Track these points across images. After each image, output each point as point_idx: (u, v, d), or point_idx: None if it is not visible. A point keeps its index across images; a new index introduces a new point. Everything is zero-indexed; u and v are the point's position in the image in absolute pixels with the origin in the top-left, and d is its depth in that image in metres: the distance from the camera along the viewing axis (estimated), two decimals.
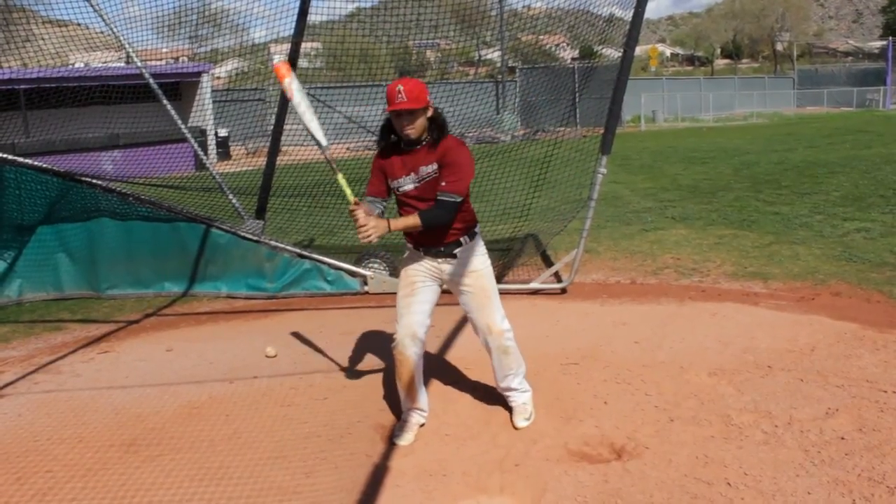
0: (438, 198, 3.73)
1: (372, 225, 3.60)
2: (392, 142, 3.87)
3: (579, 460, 3.75)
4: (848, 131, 24.12)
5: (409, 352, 3.97)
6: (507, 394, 4.22)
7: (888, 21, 75.55)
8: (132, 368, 5.48)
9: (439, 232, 3.90)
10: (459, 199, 3.75)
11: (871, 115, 35.91)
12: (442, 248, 3.95)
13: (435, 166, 3.76)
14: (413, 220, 3.74)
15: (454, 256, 3.95)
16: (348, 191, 3.70)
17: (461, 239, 3.94)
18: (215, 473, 3.77)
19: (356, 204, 3.65)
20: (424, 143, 3.79)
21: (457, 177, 3.74)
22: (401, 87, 3.65)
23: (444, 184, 3.73)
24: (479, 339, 4.12)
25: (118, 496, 3.58)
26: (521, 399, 4.22)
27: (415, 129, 3.73)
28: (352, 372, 5.09)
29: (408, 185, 3.84)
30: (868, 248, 7.71)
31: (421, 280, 4.01)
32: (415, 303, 3.99)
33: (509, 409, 4.27)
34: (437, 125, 3.80)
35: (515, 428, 4.15)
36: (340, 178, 3.72)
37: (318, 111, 8.52)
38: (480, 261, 4.01)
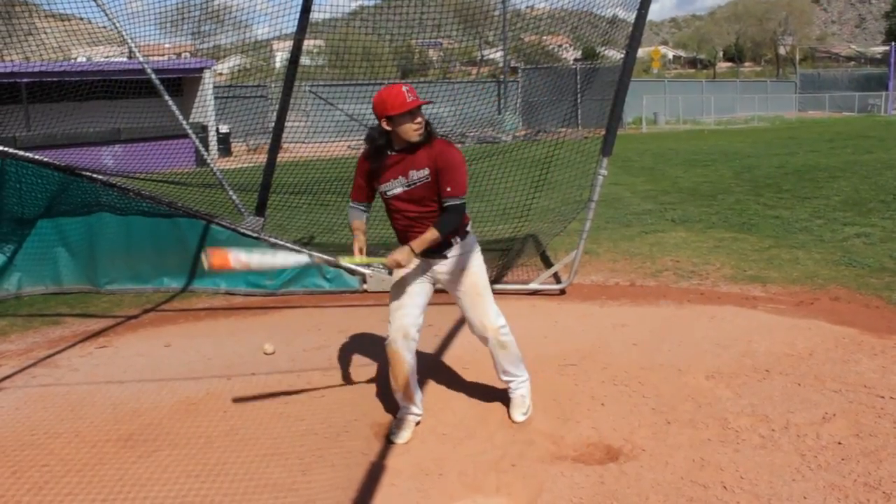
0: (446, 204, 3.78)
1: (402, 258, 3.75)
2: (378, 146, 3.87)
3: (575, 461, 3.75)
4: (849, 136, 24.12)
5: (402, 349, 3.99)
6: (508, 381, 4.25)
7: (891, 26, 75.45)
8: (130, 363, 5.48)
9: None
10: (465, 199, 3.82)
11: (872, 120, 35.90)
12: (434, 250, 3.96)
13: (426, 171, 3.78)
14: (431, 234, 3.78)
15: (445, 257, 3.97)
16: (359, 260, 3.93)
17: (452, 240, 3.97)
18: (212, 470, 3.77)
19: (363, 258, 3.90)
20: (417, 145, 3.80)
21: (456, 179, 3.78)
22: (406, 88, 3.72)
23: (448, 189, 3.76)
24: (475, 335, 4.14)
25: (114, 491, 3.58)
26: (521, 390, 4.26)
27: (423, 127, 3.77)
28: (349, 370, 5.09)
29: (397, 188, 3.86)
30: (868, 254, 7.71)
31: (413, 278, 4.03)
32: (407, 302, 4.02)
33: (507, 403, 4.29)
34: (428, 126, 3.84)
35: (513, 421, 4.18)
36: (346, 261, 3.90)
37: (320, 108, 8.54)
38: (471, 259, 4.03)
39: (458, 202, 3.78)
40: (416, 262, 3.96)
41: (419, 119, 3.76)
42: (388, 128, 3.77)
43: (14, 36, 7.38)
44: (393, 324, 4.02)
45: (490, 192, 7.61)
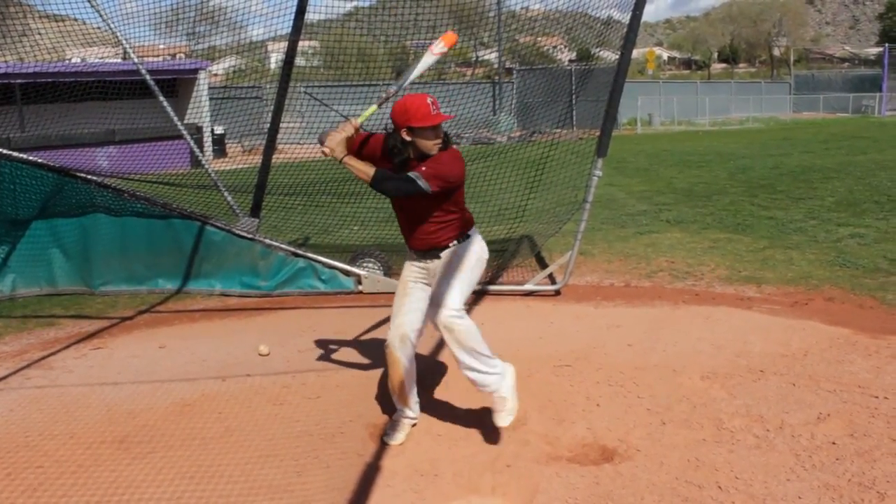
0: (407, 174, 3.66)
1: (335, 145, 3.64)
2: (404, 160, 3.77)
3: (571, 462, 3.76)
4: (843, 137, 24.20)
5: (399, 353, 3.95)
6: (468, 376, 3.85)
7: (885, 28, 75.80)
8: (125, 365, 5.46)
9: (431, 239, 3.91)
10: (422, 185, 3.59)
11: (866, 121, 36.04)
12: (429, 251, 3.95)
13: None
14: (367, 170, 3.64)
15: (438, 257, 3.95)
16: (365, 115, 3.84)
17: (450, 244, 3.94)
18: (207, 471, 3.76)
19: (355, 126, 3.73)
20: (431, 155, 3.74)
21: (431, 166, 3.66)
22: (430, 100, 3.65)
23: (422, 168, 3.66)
24: (428, 319, 3.93)
25: (109, 493, 3.57)
26: (499, 392, 3.86)
27: (442, 142, 3.74)
28: (345, 371, 5.08)
29: None
30: (862, 254, 7.74)
31: (413, 281, 4.02)
32: (407, 304, 3.99)
33: None
34: (446, 138, 3.80)
35: (496, 426, 3.93)
36: (373, 108, 3.89)
37: (315, 109, 8.54)
38: (467, 252, 3.94)
39: (414, 178, 3.59)
40: (415, 261, 3.98)
41: (441, 134, 3.72)
42: (407, 138, 3.68)
43: (8, 37, 7.36)
44: (393, 327, 3.99)
45: (485, 194, 7.60)
